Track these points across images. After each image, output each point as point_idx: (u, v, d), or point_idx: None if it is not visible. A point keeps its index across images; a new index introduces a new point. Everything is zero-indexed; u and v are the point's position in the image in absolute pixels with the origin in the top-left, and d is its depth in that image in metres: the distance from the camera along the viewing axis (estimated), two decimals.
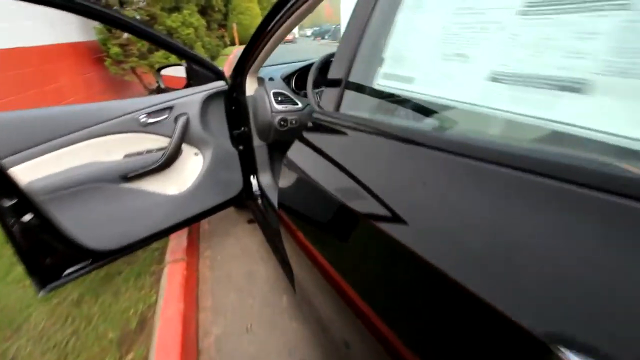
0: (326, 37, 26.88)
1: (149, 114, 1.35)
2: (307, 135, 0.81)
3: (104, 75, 5.09)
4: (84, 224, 1.25)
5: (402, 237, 0.44)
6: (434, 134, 0.48)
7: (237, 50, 13.24)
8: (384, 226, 0.48)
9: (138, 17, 4.90)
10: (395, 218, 0.47)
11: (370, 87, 0.64)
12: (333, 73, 0.75)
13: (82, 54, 4.75)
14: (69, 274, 1.32)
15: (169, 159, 1.42)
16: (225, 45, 13.05)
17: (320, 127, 0.77)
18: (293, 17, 1.18)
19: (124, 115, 1.29)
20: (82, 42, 4.74)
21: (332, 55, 1.53)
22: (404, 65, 0.56)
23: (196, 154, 1.55)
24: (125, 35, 4.57)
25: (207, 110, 1.55)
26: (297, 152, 0.83)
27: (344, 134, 0.67)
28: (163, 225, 1.48)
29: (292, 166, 0.83)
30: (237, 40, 17.14)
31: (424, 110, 0.55)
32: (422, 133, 0.50)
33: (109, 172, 1.28)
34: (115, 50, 4.66)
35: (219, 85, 1.55)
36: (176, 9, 5.65)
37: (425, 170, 0.46)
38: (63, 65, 4.33)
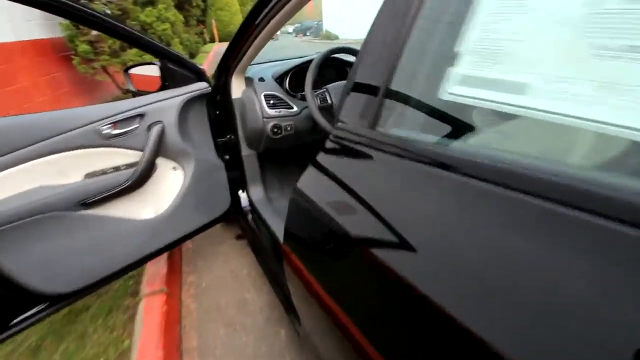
0: (308, 33, 26.53)
1: (115, 124, 1.11)
2: (325, 159, 0.60)
3: (73, 75, 4.70)
4: (34, 264, 1.00)
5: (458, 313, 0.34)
6: (559, 180, 0.29)
7: (218, 47, 12.79)
8: (431, 292, 0.36)
9: (108, 11, 4.53)
10: (443, 280, 0.36)
11: (433, 97, 0.44)
12: (362, 77, 0.55)
13: (47, 52, 4.36)
14: (19, 322, 1.07)
15: (142, 177, 1.18)
16: (205, 42, 12.58)
17: (344, 151, 0.56)
18: (286, 8, 0.97)
19: (82, 126, 1.05)
20: (46, 39, 4.34)
21: (334, 51, 1.32)
22: (503, 63, 0.36)
23: (175, 169, 1.32)
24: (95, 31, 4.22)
25: (187, 116, 1.32)
26: (310, 182, 0.62)
27: (385, 162, 0.47)
28: (137, 255, 1.24)
29: (304, 199, 0.62)
30: (216, 37, 16.62)
31: (545, 137, 0.35)
32: (533, 176, 0.31)
33: (64, 198, 1.03)
34: (83, 47, 4.28)
35: (200, 87, 1.32)
36: (150, 3, 5.29)
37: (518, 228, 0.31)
38: (25, 64, 3.94)
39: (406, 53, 0.45)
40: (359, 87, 0.55)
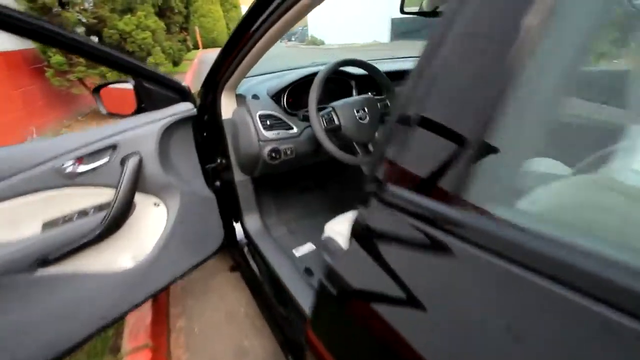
0: (293, 39, 26.40)
1: (80, 159, 0.91)
2: (376, 238, 0.42)
3: (47, 88, 4.41)
4: None
5: None
6: None
7: (202, 54, 12.50)
8: None
9: (84, 19, 4.28)
10: None
11: (604, 177, 0.27)
12: (429, 111, 0.37)
13: (17, 64, 4.07)
14: None
15: (116, 220, 0.98)
16: (188, 50, 12.30)
17: (404, 230, 0.38)
18: (294, 10, 0.79)
19: (37, 164, 0.84)
20: (15, 50, 4.05)
21: (340, 64, 1.14)
22: None
23: (157, 205, 1.12)
24: None
25: (169, 143, 1.12)
26: (354, 266, 0.44)
27: (480, 265, 0.30)
28: (115, 313, 1.04)
29: (343, 287, 0.44)
30: (200, 44, 16.32)
31: None
32: None
33: (18, 258, 0.82)
34: (57, 59, 4.01)
35: (185, 109, 1.13)
36: (129, 10, 5.04)
37: None
38: None
39: (530, 88, 0.28)
40: (425, 125, 0.37)
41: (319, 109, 1.15)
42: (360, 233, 0.44)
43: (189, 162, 1.22)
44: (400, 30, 16.70)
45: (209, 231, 1.29)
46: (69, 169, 0.89)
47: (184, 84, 1.16)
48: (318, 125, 1.06)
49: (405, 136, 0.40)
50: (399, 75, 1.52)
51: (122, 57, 0.97)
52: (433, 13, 1.20)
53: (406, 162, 0.38)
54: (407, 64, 1.64)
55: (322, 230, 1.15)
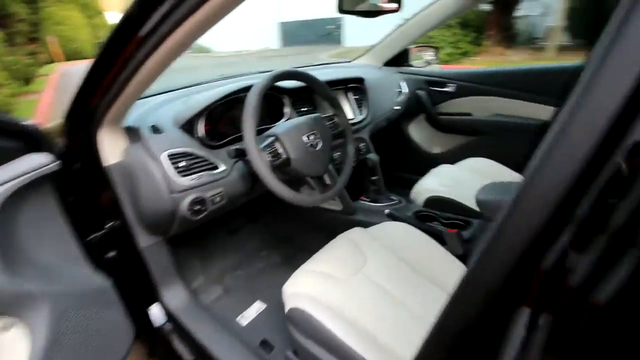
0: None
1: None
2: None
3: None
4: None
5: None
6: None
7: (62, 68, 10.30)
8: None
9: None
10: None
11: None
12: None
13: None
14: None
15: None
16: (43, 64, 10.07)
17: None
18: (203, 10, 0.51)
19: None
20: None
21: (276, 77, 0.85)
22: None
23: (6, 329, 0.67)
24: None
25: (14, 223, 0.68)
26: None
27: None
28: None
29: None
30: (61, 57, 13.63)
31: None
32: None
33: None
34: None
35: (37, 163, 0.69)
36: None
37: None
38: None
39: None
40: None
41: (262, 142, 0.85)
42: None
43: (57, 242, 0.78)
44: (289, 36, 16.92)
45: (108, 336, 0.86)
46: None
47: (29, 122, 0.73)
48: (260, 162, 0.76)
49: None
50: (334, 85, 1.32)
51: None
52: (372, 13, 1.02)
53: None
54: (342, 72, 1.47)
55: (267, 278, 0.85)
